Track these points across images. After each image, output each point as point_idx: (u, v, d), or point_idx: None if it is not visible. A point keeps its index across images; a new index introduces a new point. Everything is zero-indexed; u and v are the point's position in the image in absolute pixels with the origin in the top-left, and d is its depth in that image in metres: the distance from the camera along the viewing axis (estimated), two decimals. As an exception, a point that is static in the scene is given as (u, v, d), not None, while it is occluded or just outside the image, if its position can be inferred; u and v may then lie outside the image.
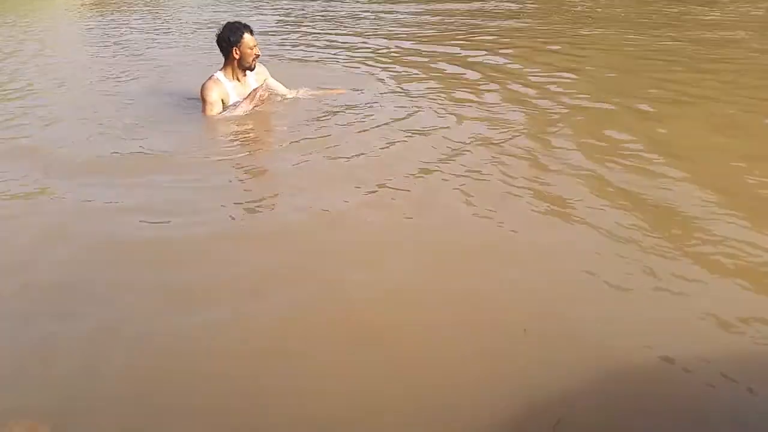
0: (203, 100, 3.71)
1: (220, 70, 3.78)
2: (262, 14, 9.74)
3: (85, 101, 4.51)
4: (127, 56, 6.37)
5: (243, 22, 3.76)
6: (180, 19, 9.74)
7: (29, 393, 1.62)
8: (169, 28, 8.73)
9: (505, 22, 7.27)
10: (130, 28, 8.86)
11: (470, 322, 1.77)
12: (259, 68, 3.90)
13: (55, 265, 2.24)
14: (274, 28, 7.97)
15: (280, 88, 4.01)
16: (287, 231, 2.39)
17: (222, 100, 3.72)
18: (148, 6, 12.38)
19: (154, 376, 1.66)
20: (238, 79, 3.77)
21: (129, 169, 3.10)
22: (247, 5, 11.02)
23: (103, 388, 1.61)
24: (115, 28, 8.95)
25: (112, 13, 11.13)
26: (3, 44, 7.61)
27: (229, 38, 3.67)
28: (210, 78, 3.75)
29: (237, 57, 3.68)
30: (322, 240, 2.31)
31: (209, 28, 7.65)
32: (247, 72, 3.79)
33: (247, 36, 3.65)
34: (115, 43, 7.43)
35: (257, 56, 3.73)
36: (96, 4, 13.26)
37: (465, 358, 1.63)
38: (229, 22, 3.77)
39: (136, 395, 1.59)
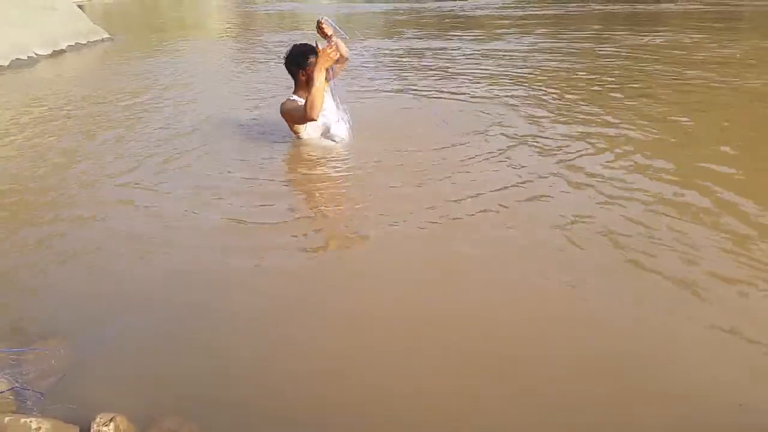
0: (291, 117, 3.76)
1: (294, 93, 3.81)
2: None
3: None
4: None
5: (309, 44, 3.68)
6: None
7: (180, 390, 1.79)
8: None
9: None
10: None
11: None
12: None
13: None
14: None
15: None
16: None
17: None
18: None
19: (297, 379, 1.81)
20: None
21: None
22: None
23: (251, 390, 1.77)
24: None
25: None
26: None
27: (297, 61, 3.69)
28: (287, 99, 3.80)
29: (304, 79, 3.69)
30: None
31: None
32: None
33: (312, 59, 3.60)
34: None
35: None
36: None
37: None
38: (295, 45, 3.76)
39: (281, 397, 1.75)
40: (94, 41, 11.44)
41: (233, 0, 26.51)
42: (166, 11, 22.26)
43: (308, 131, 3.83)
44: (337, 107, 3.85)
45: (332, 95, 3.88)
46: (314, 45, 3.58)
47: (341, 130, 3.79)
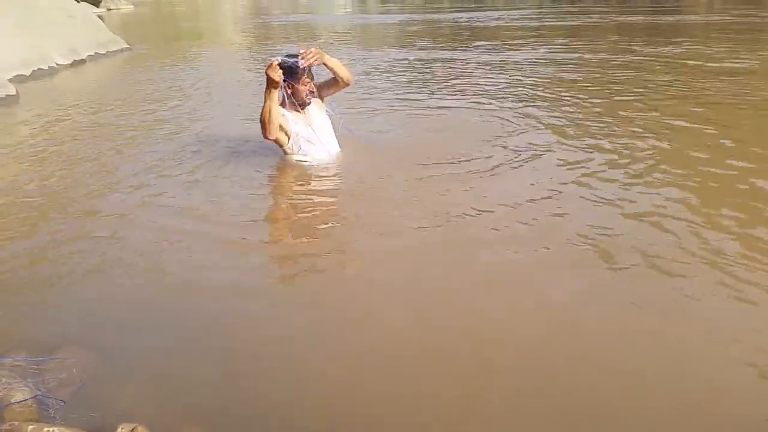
0: None
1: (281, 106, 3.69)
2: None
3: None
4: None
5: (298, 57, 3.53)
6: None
7: (200, 400, 1.82)
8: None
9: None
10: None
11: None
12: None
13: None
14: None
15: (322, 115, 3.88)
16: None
17: (281, 126, 3.66)
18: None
19: (313, 390, 1.83)
20: (297, 110, 3.73)
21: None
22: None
23: (269, 402, 1.80)
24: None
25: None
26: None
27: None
28: None
29: (289, 91, 3.63)
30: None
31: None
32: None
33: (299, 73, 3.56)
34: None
35: (311, 92, 3.71)
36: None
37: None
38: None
39: (298, 407, 1.77)
40: (114, 51, 11.58)
41: (249, 11, 26.83)
42: (183, 21, 22.55)
43: (292, 147, 3.80)
44: (329, 128, 3.85)
45: (327, 114, 3.90)
46: (297, 61, 3.49)
47: (324, 151, 3.78)
